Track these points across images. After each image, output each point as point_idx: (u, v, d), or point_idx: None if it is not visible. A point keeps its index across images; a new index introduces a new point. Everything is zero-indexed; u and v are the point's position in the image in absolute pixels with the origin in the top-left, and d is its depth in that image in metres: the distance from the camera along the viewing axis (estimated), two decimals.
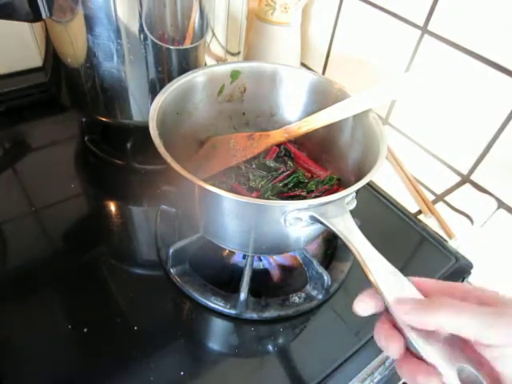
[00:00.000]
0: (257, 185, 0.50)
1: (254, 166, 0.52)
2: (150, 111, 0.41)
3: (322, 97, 0.51)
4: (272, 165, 0.53)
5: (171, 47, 0.50)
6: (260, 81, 0.53)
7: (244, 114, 0.55)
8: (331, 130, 0.50)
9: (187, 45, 0.51)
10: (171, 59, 0.51)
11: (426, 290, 0.29)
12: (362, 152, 0.46)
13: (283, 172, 0.52)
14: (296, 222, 0.36)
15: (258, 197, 0.48)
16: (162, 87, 0.53)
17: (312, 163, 0.53)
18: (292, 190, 0.50)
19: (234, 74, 0.51)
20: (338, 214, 0.35)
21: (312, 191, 0.50)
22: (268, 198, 0.48)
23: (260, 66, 0.52)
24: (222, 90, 0.51)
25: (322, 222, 0.34)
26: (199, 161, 0.51)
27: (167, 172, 0.40)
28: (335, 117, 0.47)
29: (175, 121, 0.47)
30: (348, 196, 0.37)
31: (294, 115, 0.54)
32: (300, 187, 0.51)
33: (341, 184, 0.50)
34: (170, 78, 0.53)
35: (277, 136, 0.51)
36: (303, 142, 0.54)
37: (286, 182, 0.51)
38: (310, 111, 0.52)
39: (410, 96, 0.67)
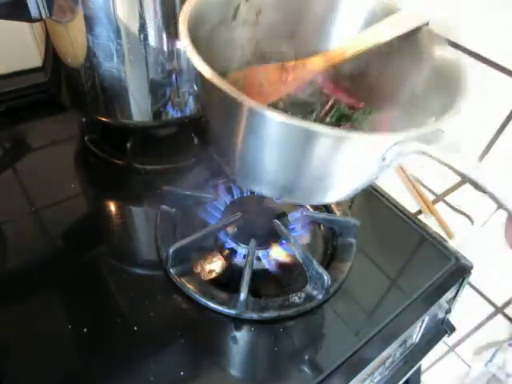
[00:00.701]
0: None
1: (287, 103, 0.46)
2: (179, 27, 0.34)
3: (351, 13, 0.43)
4: (309, 100, 0.46)
5: (171, 47, 0.50)
6: (279, 1, 0.45)
7: (258, 42, 0.46)
8: (383, 63, 0.43)
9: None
10: (171, 59, 0.51)
11: None
12: (425, 85, 0.40)
13: (320, 105, 0.47)
14: (397, 157, 0.32)
15: None
16: (162, 87, 0.53)
17: (341, 93, 0.47)
18: (340, 124, 0.46)
19: None
20: (435, 141, 0.31)
21: (359, 123, 0.45)
22: None
23: None
24: (236, 11, 0.42)
25: (424, 152, 0.31)
26: None
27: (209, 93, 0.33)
28: (383, 36, 0.40)
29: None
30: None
31: (320, 41, 0.46)
32: (344, 120, 0.46)
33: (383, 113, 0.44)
34: (171, 78, 0.53)
35: (317, 64, 0.43)
36: (349, 85, 0.46)
37: (330, 115, 0.46)
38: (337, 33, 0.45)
39: None
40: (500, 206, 0.28)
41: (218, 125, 0.37)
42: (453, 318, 0.61)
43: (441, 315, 0.59)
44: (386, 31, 0.40)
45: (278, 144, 0.32)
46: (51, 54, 0.53)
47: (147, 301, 0.45)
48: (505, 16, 0.53)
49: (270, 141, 0.32)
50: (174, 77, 0.53)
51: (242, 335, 0.44)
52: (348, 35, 0.44)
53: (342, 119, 0.46)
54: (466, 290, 0.57)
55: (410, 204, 0.61)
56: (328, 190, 0.38)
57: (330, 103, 0.46)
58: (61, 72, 0.54)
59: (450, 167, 0.31)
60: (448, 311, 0.59)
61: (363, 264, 0.52)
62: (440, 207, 0.61)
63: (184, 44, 0.32)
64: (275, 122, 0.30)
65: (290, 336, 0.44)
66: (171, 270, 0.47)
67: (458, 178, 0.66)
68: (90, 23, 0.46)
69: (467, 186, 0.64)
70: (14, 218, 0.53)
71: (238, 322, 0.45)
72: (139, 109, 0.55)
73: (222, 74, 0.41)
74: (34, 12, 0.45)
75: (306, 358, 0.43)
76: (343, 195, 0.40)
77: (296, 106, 0.46)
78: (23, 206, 0.54)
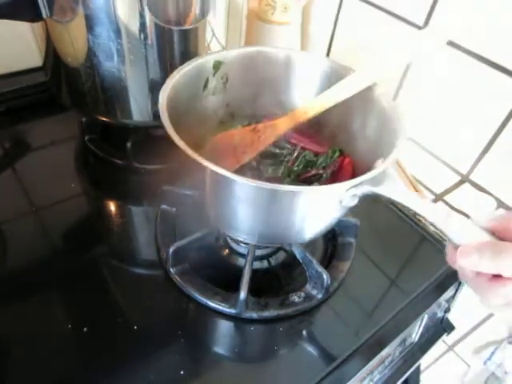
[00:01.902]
0: (271, 174, 0.49)
1: (258, 157, 0.51)
2: (159, 109, 0.40)
3: (306, 73, 0.50)
4: (277, 151, 0.51)
5: (172, 47, 0.50)
6: (242, 67, 0.51)
7: (228, 104, 0.53)
8: (341, 114, 0.49)
9: (188, 45, 0.52)
10: (171, 59, 0.52)
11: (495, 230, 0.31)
12: (377, 130, 0.46)
13: (287, 155, 0.51)
14: (352, 199, 0.37)
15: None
16: (162, 87, 0.53)
17: (306, 140, 0.53)
18: (307, 171, 0.50)
19: (216, 65, 0.49)
20: (384, 180, 0.36)
21: (324, 167, 0.50)
22: (289, 184, 0.47)
23: (240, 52, 0.51)
24: (206, 83, 0.49)
25: (376, 193, 0.36)
26: None
27: (190, 168, 0.39)
28: (341, 95, 0.46)
29: (174, 125, 0.43)
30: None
31: (282, 97, 0.53)
32: (310, 166, 0.51)
33: (344, 154, 0.51)
34: None
35: (284, 124, 0.48)
36: (312, 132, 0.53)
37: (296, 164, 0.50)
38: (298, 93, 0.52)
39: (422, 59, 0.64)
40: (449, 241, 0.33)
41: (195, 183, 0.43)
42: (452, 316, 0.62)
43: (440, 314, 0.59)
44: (343, 92, 0.46)
45: (241, 200, 0.38)
46: (51, 53, 0.53)
47: (147, 300, 0.45)
48: (505, 16, 0.53)
49: (236, 198, 0.38)
50: None
51: (241, 334, 0.44)
52: (307, 93, 0.52)
53: (309, 165, 0.51)
54: (465, 289, 0.57)
55: None
56: (299, 233, 0.44)
57: (296, 153, 0.51)
58: (61, 72, 0.55)
59: (401, 205, 0.36)
60: (447, 310, 0.59)
61: (363, 263, 0.52)
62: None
63: (164, 124, 0.38)
64: (234, 183, 0.35)
65: (289, 335, 0.44)
66: (171, 270, 0.47)
67: (457, 178, 0.66)
68: (90, 23, 0.46)
69: (467, 186, 0.65)
70: (14, 217, 0.53)
71: (238, 322, 0.45)
72: (139, 108, 0.55)
73: (201, 136, 0.50)
74: (34, 12, 0.45)
75: (306, 356, 0.43)
76: (315, 234, 0.45)
77: (268, 159, 0.51)
78: (23, 205, 0.54)
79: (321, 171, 0.50)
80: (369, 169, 0.37)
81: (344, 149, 0.51)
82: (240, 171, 0.49)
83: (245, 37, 0.67)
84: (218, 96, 0.51)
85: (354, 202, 0.38)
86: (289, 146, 0.52)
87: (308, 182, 0.50)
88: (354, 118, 0.49)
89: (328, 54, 0.80)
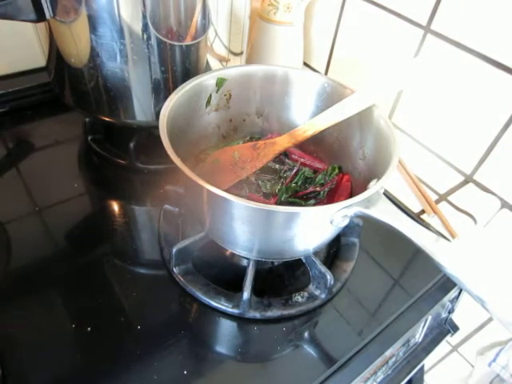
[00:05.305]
0: (268, 190, 0.50)
1: (258, 171, 0.51)
2: (160, 133, 0.40)
3: (304, 90, 0.51)
4: (277, 166, 0.52)
5: (174, 47, 0.50)
6: (243, 85, 0.52)
7: (231, 120, 0.54)
8: (340, 133, 0.51)
9: (190, 44, 0.52)
10: (174, 59, 0.52)
11: None
12: (375, 150, 0.47)
13: (287, 171, 0.52)
14: (343, 220, 0.38)
15: (276, 201, 0.49)
16: (165, 87, 0.53)
17: (308, 157, 0.54)
18: (304, 188, 0.51)
19: (220, 82, 0.50)
20: (376, 202, 0.37)
21: (323, 184, 0.51)
22: (286, 201, 0.49)
23: (240, 69, 0.52)
24: (209, 100, 0.50)
25: (366, 214, 0.37)
26: (204, 178, 0.49)
27: (188, 186, 0.41)
28: (340, 116, 0.46)
29: (175, 140, 0.44)
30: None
31: (282, 114, 0.55)
32: (309, 183, 0.52)
33: (343, 172, 0.52)
34: (174, 78, 0.53)
35: (283, 142, 0.50)
36: (313, 149, 0.55)
37: (295, 180, 0.51)
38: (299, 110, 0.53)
39: (415, 85, 0.66)
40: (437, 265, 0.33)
41: (192, 198, 0.44)
42: (456, 317, 0.61)
43: (444, 315, 0.59)
44: (342, 112, 0.46)
45: (232, 217, 0.39)
46: (55, 54, 0.53)
47: (150, 300, 0.45)
48: (509, 15, 0.53)
49: (228, 214, 0.39)
50: (176, 76, 0.53)
51: (244, 334, 0.44)
52: (306, 110, 0.54)
53: (307, 182, 0.52)
54: None
55: (413, 204, 0.61)
56: (294, 250, 0.44)
57: (294, 170, 0.52)
58: (64, 72, 0.55)
59: (390, 226, 0.36)
60: (451, 311, 0.59)
61: (366, 263, 0.52)
62: (443, 207, 0.61)
63: (164, 144, 0.40)
64: (228, 202, 0.36)
65: (292, 335, 0.44)
66: (174, 270, 0.47)
67: (461, 178, 0.66)
68: (93, 23, 0.46)
69: (470, 186, 0.64)
70: (17, 217, 0.53)
71: (241, 322, 0.45)
72: (142, 109, 0.55)
73: (203, 150, 0.52)
74: (38, 12, 0.46)
75: (309, 356, 0.43)
76: (312, 249, 0.45)
77: (267, 174, 0.52)
78: (27, 205, 0.54)
79: (318, 189, 0.51)
80: (367, 187, 0.37)
81: (344, 166, 0.52)
82: (238, 186, 0.49)
83: (247, 36, 0.67)
84: (221, 112, 0.53)
85: (345, 222, 0.39)
86: (289, 162, 0.54)
87: (305, 198, 0.51)
88: (353, 137, 0.50)
89: (330, 55, 0.80)
